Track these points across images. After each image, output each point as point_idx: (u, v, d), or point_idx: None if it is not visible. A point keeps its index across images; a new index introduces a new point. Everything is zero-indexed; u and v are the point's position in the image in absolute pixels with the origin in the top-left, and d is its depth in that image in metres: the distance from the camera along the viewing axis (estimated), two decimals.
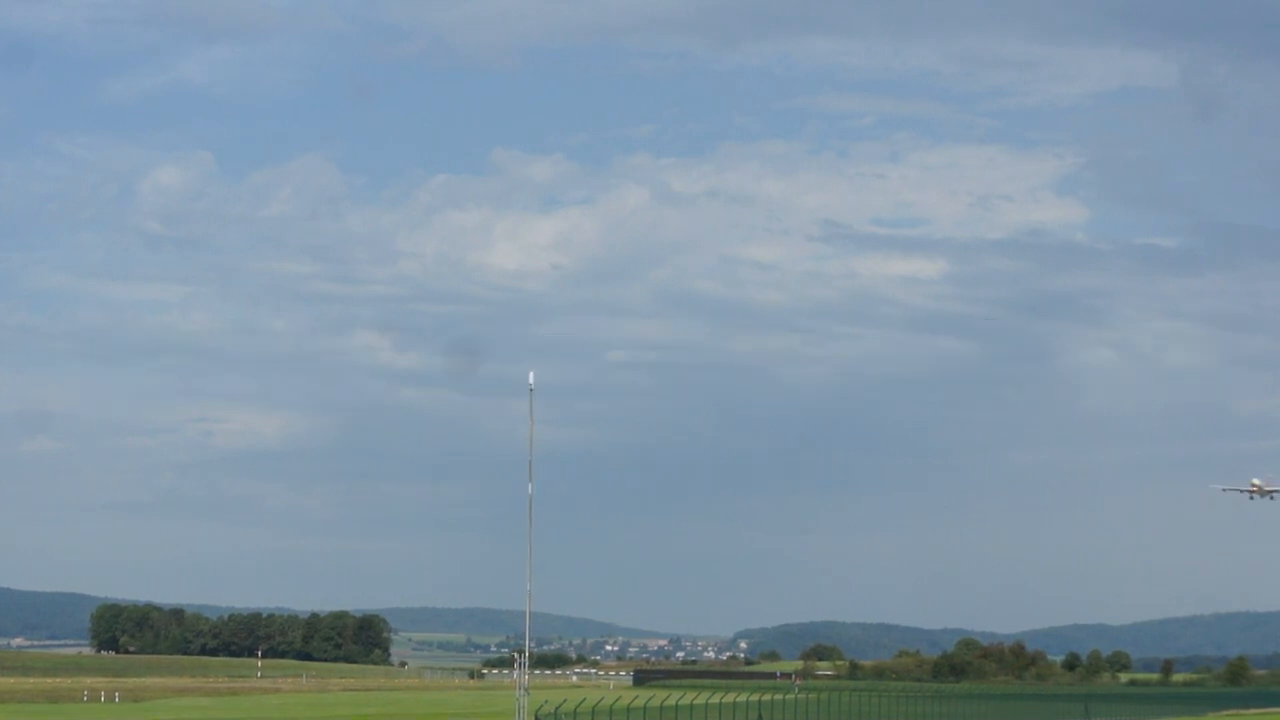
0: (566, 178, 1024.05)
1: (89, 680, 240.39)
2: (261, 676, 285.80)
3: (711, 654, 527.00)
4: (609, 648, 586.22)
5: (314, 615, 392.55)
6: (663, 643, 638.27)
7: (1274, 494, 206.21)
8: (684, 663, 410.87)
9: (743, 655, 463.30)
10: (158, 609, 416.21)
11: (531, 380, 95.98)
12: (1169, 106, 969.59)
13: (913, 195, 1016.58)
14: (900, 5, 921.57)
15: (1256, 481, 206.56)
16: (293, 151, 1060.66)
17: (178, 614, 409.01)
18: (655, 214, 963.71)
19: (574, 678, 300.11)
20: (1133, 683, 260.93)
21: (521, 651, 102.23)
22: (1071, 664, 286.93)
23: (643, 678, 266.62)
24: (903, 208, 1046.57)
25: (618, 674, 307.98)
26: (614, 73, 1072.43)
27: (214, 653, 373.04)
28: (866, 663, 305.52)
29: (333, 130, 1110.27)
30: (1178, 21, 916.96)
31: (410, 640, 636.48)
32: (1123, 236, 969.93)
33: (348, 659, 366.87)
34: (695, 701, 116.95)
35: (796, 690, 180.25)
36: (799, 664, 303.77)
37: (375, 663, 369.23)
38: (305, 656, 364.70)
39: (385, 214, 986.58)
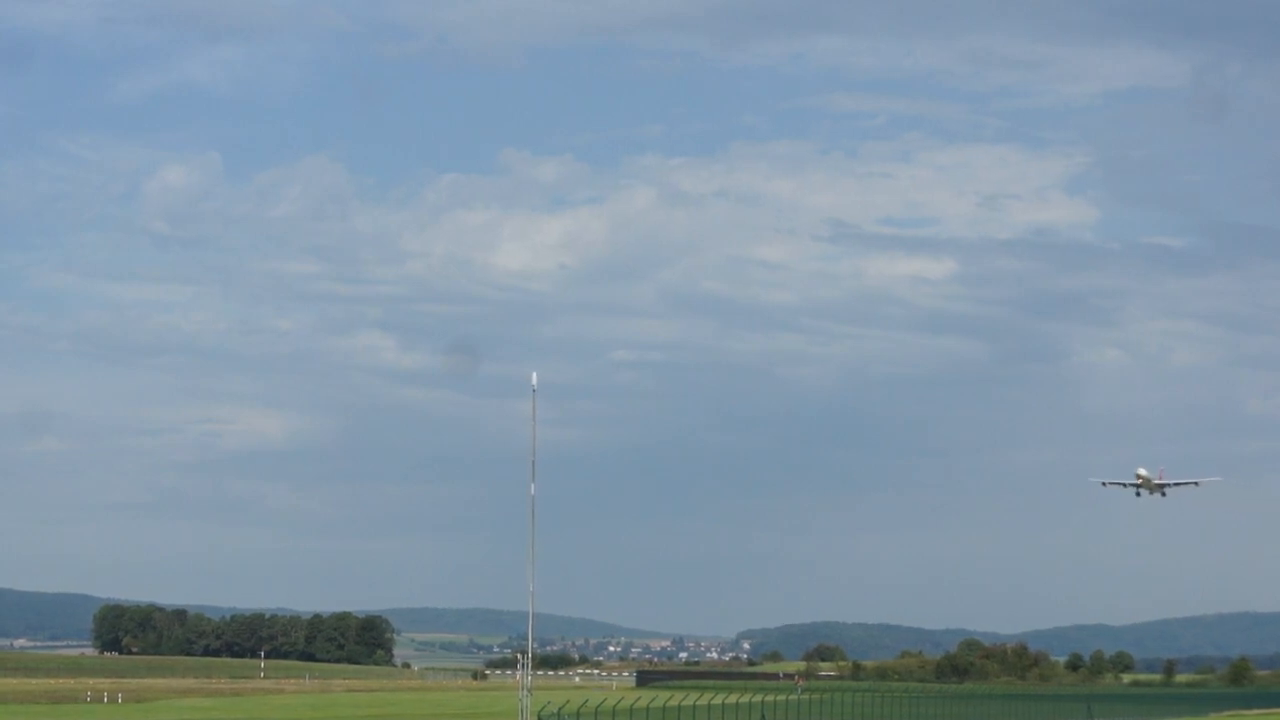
0: (575, 178, 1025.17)
1: (92, 681, 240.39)
2: (264, 677, 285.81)
3: (714, 655, 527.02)
4: (611, 648, 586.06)
5: (317, 616, 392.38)
6: (665, 643, 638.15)
7: (1165, 488, 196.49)
8: (687, 663, 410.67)
9: (745, 656, 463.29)
10: (160, 610, 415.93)
11: (534, 381, 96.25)
12: (1179, 106, 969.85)
13: (922, 195, 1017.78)
14: (909, 4, 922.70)
15: (1143, 473, 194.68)
16: (299, 151, 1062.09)
17: (180, 615, 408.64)
18: (663, 214, 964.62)
19: (577, 678, 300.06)
20: (1135, 683, 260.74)
21: (524, 652, 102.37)
22: (1074, 664, 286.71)
23: (645, 678, 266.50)
24: (912, 207, 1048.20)
25: (620, 675, 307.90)
26: (621, 72, 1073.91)
27: (217, 653, 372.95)
28: (869, 663, 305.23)
29: (339, 130, 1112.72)
30: (1189, 20, 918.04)
31: (413, 641, 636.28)
32: (1132, 236, 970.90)
33: (351, 660, 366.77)
34: (698, 702, 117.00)
35: (799, 691, 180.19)
36: (801, 665, 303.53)
37: (378, 663, 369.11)
38: (308, 657, 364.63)
39: (392, 214, 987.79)
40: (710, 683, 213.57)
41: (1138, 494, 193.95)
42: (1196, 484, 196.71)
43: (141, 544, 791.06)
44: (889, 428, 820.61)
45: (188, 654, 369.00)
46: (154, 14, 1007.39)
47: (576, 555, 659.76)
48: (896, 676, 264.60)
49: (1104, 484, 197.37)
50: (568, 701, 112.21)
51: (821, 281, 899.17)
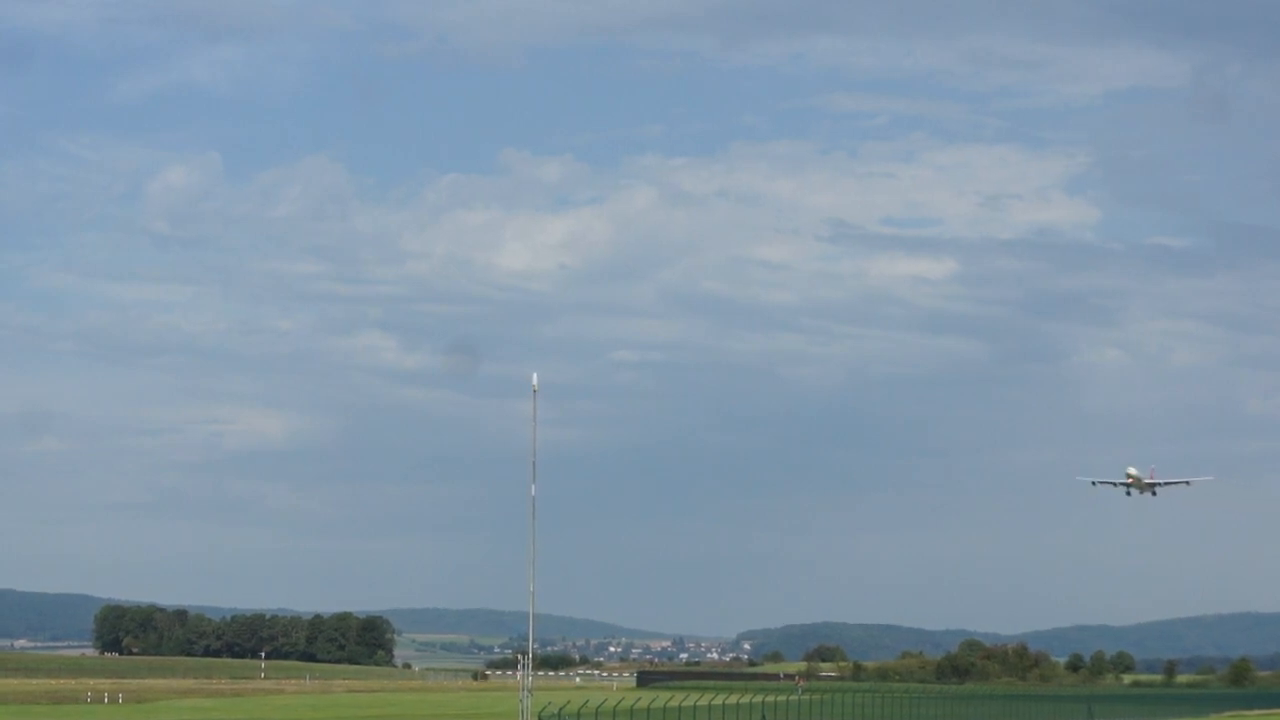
0: (576, 178, 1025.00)
1: (92, 682, 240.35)
2: (265, 678, 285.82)
3: (715, 655, 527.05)
4: (612, 649, 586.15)
5: (317, 616, 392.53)
6: (666, 644, 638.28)
7: (1156, 487, 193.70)
8: (687, 664, 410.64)
9: (746, 656, 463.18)
10: (161, 610, 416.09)
11: (535, 381, 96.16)
12: (1180, 106, 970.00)
13: (922, 195, 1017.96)
14: (909, 4, 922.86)
15: (1133, 472, 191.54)
16: (299, 151, 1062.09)
17: (181, 615, 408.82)
18: (664, 214, 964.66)
19: (577, 679, 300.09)
20: (1136, 684, 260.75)
21: (525, 653, 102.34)
22: (1075, 665, 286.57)
23: (646, 679, 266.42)
24: (912, 207, 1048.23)
25: (621, 675, 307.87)
26: (621, 72, 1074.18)
27: (217, 654, 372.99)
28: (870, 664, 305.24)
29: (339, 130, 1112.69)
30: (1189, 20, 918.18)
31: (414, 641, 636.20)
32: (1132, 236, 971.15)
33: (351, 660, 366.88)
34: (699, 703, 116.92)
35: (800, 692, 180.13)
36: (802, 665, 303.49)
37: (379, 664, 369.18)
38: (309, 658, 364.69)
39: (392, 214, 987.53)
40: (711, 683, 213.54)
41: (1128, 493, 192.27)
42: (1188, 483, 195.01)
43: (142, 544, 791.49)
44: (889, 428, 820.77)
45: (188, 654, 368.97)
46: (154, 14, 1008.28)
47: (577, 555, 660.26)
48: (897, 677, 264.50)
49: (1094, 483, 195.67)
50: (568, 702, 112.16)
51: (822, 281, 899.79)
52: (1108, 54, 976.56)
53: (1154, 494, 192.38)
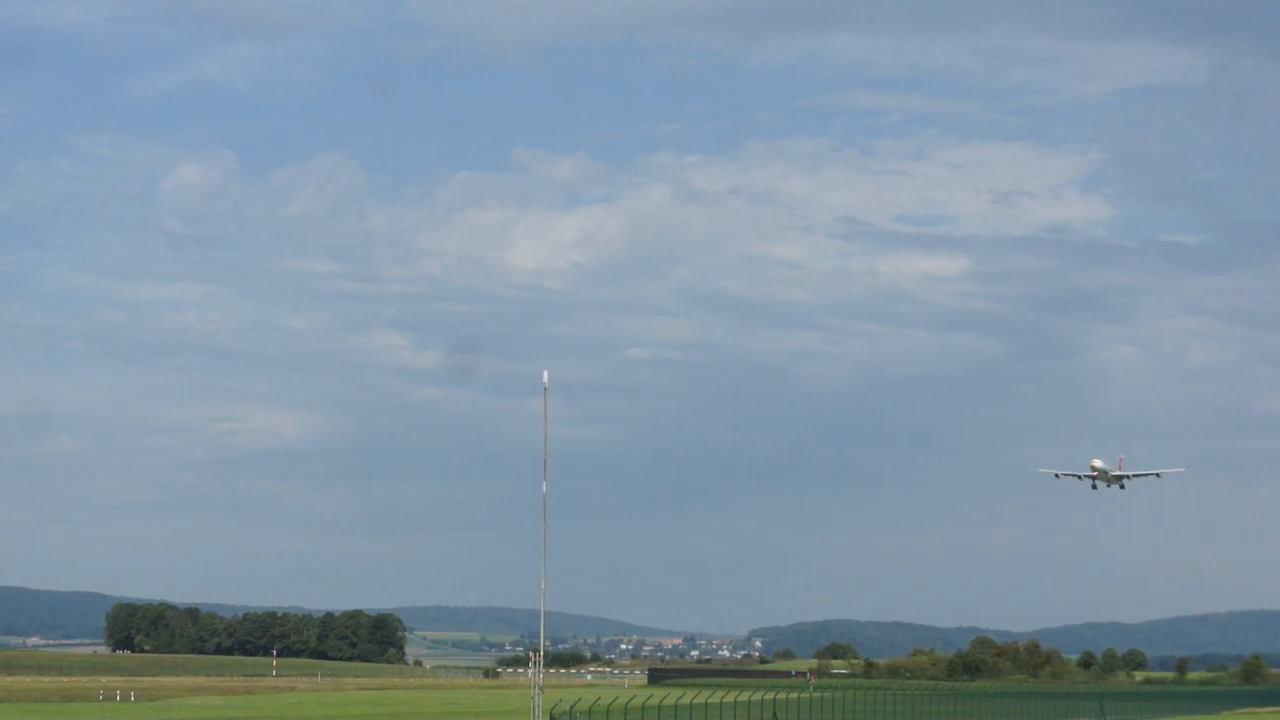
0: (589, 176, 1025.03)
1: (104, 679, 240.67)
2: (276, 675, 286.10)
3: (726, 652, 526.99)
4: (623, 646, 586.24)
5: (329, 614, 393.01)
6: (677, 641, 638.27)
7: (1124, 479, 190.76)
8: (698, 661, 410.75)
9: (757, 654, 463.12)
10: (173, 608, 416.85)
11: (546, 379, 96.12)
12: (1195, 103, 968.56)
13: (937, 192, 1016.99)
14: (924, 2, 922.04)
15: (1098, 464, 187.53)
16: (314, 150, 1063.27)
17: (193, 613, 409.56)
18: (678, 212, 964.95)
19: (588, 676, 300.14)
20: (1148, 681, 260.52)
21: (536, 650, 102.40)
22: (1086, 662, 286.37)
23: (657, 676, 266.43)
24: (927, 205, 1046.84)
25: (632, 673, 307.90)
26: (636, 70, 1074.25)
27: (229, 652, 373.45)
28: (881, 661, 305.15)
29: (354, 128, 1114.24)
30: (1205, 17, 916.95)
31: (425, 639, 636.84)
32: (1147, 234, 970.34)
33: (363, 658, 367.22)
34: (710, 700, 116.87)
35: (811, 689, 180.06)
36: (814, 662, 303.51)
37: (390, 661, 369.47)
38: (320, 655, 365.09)
39: (407, 212, 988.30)
40: (722, 681, 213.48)
41: (1094, 486, 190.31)
42: (1157, 475, 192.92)
43: (154, 543, 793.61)
44: (904, 426, 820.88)
45: (200, 652, 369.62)
46: (170, 13, 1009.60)
47: (589, 553, 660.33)
48: (908, 674, 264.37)
49: (1057, 475, 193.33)
50: (580, 699, 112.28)
51: (837, 279, 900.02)
52: (1122, 51, 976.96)
53: (1122, 486, 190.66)
